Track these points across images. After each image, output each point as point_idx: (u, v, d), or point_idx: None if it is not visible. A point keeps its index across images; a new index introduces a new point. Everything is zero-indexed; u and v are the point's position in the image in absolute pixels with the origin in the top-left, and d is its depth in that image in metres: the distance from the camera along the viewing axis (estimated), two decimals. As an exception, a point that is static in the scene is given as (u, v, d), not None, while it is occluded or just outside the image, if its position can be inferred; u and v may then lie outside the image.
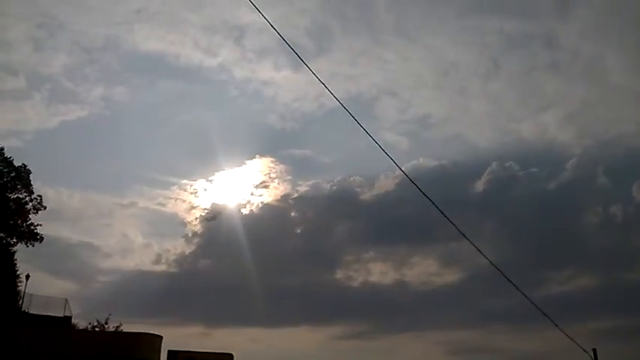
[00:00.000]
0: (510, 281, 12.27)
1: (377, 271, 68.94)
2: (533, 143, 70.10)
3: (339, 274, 67.75)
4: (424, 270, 68.63)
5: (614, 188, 63.09)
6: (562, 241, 60.35)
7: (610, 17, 61.62)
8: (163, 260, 69.71)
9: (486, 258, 12.27)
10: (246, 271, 58.20)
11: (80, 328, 32.85)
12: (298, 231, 70.64)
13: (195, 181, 73.80)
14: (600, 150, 65.94)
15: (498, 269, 12.19)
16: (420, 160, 68.64)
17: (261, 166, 75.15)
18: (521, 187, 66.28)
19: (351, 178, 71.65)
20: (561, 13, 66.02)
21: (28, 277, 33.23)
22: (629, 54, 60.61)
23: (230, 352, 31.53)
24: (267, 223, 68.71)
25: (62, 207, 65.39)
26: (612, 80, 64.47)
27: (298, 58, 10.07)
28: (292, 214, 71.80)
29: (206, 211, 70.24)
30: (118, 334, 31.03)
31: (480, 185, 66.99)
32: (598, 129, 71.20)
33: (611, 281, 58.95)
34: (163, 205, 75.33)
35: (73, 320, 33.15)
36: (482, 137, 77.77)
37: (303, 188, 72.83)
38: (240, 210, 70.02)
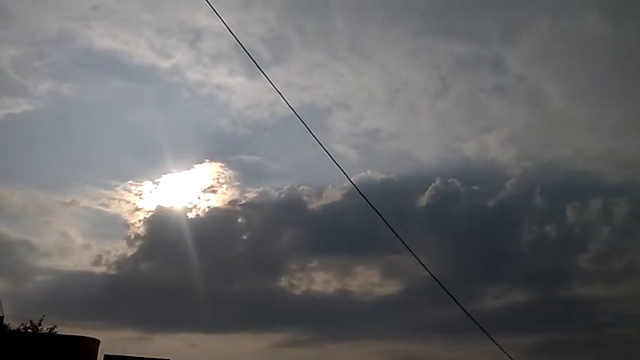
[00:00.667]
0: (449, 293, 12.86)
1: (320, 280, 69.22)
2: (476, 162, 72.76)
3: (283, 282, 67.67)
4: (367, 280, 69.51)
5: (549, 209, 66.16)
6: (499, 257, 62.64)
7: (554, 46, 64.90)
8: (103, 262, 67.37)
9: (427, 270, 12.85)
10: (189, 275, 57.24)
11: (12, 329, 31.61)
12: (244, 237, 70.12)
13: (141, 182, 71.72)
14: (538, 172, 69.11)
15: (437, 281, 12.76)
16: (368, 172, 69.78)
17: (210, 171, 74.13)
18: (463, 203, 68.52)
19: (300, 188, 71.94)
20: (509, 39, 68.91)
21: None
22: (569, 82, 64.05)
23: (167, 357, 31.23)
24: (213, 228, 67.84)
25: (2, 203, 62.37)
26: (552, 106, 67.87)
27: (254, 64, 10.36)
28: (239, 220, 71.22)
29: (150, 213, 68.66)
30: (53, 336, 30.04)
31: (423, 200, 68.71)
32: (537, 151, 74.62)
33: (545, 297, 61.66)
34: (106, 205, 72.82)
35: (4, 321, 31.86)
36: (428, 154, 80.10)
37: (252, 195, 72.35)
38: (186, 214, 68.80)
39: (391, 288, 68.41)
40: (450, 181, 68.23)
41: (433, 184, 67.47)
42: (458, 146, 77.55)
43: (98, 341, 27.79)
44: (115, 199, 71.45)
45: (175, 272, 59.67)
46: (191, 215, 68.49)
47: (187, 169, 73.30)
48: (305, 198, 71.72)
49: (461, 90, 75.51)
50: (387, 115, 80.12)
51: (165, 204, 74.11)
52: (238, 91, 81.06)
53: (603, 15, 60.22)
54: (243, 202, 71.36)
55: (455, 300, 13.05)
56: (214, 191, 72.85)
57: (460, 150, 75.76)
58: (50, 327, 32.19)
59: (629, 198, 62.68)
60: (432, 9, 66.45)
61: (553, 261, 63.48)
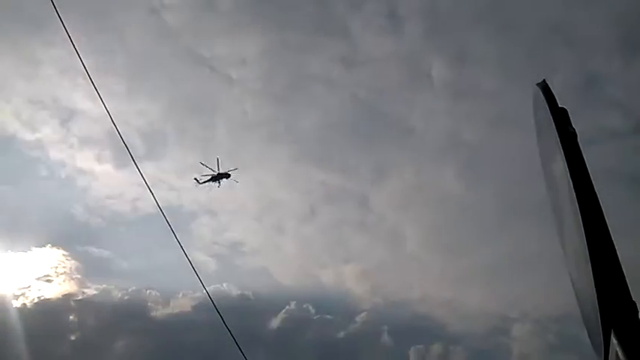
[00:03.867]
0: None
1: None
2: (331, 291, 73.97)
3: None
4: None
5: (394, 348, 67.96)
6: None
7: (414, 194, 70.88)
8: None
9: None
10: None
11: None
12: (72, 338, 62.63)
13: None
14: (388, 310, 71.62)
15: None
16: (224, 285, 67.61)
17: (49, 257, 67.20)
18: (314, 330, 68.22)
19: (147, 291, 67.13)
20: (377, 180, 74.48)
21: None
22: (425, 229, 69.42)
23: None
24: (40, 322, 59.90)
25: None
26: (408, 249, 72.65)
27: (125, 154, 9.87)
28: (71, 317, 63.97)
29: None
30: None
31: (276, 321, 67.39)
32: (389, 290, 77.95)
33: None
34: None
35: None
36: (288, 276, 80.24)
37: (91, 291, 65.88)
38: (11, 300, 60.62)
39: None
40: (304, 306, 68.27)
41: (288, 307, 66.96)
42: (317, 273, 78.86)
43: None
44: None
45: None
46: (17, 303, 60.52)
47: (24, 252, 65.85)
48: (150, 303, 66.98)
49: (327, 219, 78.41)
50: (253, 230, 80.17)
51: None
52: (101, 178, 76.95)
53: (458, 174, 67.73)
54: (80, 297, 64.76)
55: None
56: (49, 280, 65.51)
57: (318, 276, 76.99)
58: None
59: (464, 347, 66.46)
60: (313, 138, 70.43)
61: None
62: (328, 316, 70.85)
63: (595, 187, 3.11)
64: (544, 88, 3.31)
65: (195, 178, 48.44)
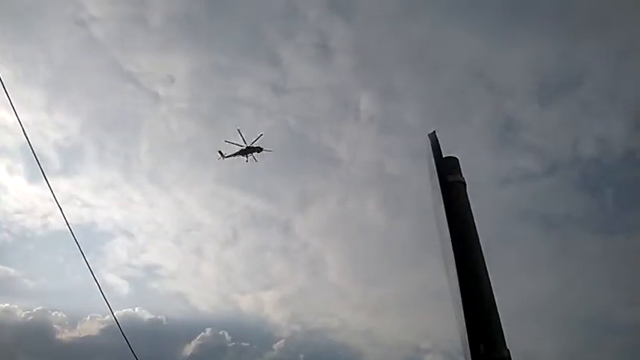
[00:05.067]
0: None
1: None
2: (249, 318, 72.77)
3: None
4: None
5: (310, 377, 67.62)
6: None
7: (337, 223, 71.77)
8: None
9: None
10: None
11: None
12: (-35, 361, 57.65)
13: None
14: (305, 338, 71.20)
15: None
16: (137, 309, 64.80)
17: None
18: (229, 358, 66.46)
19: (53, 313, 63.22)
20: (301, 207, 74.90)
21: None
22: (345, 258, 70.24)
23: None
24: None
25: None
26: (329, 277, 72.98)
27: (39, 169, 9.43)
28: (-34, 338, 59.00)
29: None
30: None
31: (189, 348, 65.15)
32: (307, 318, 77.78)
33: None
34: None
35: None
36: (205, 301, 78.18)
37: (-9, 311, 61.41)
38: None
39: None
40: (220, 332, 66.52)
41: (203, 334, 65.04)
42: (235, 298, 77.39)
43: None
44: None
45: None
46: None
47: None
48: (56, 326, 63.00)
49: (249, 244, 77.50)
50: (172, 253, 77.81)
51: None
52: (12, 192, 72.45)
53: (380, 205, 69.37)
54: (-22, 317, 59.96)
55: None
56: (-55, 299, 60.36)
57: (237, 302, 75.58)
58: None
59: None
60: (236, 160, 69.96)
61: None
62: (244, 344, 69.33)
63: (478, 233, 3.42)
64: (433, 139, 3.63)
65: (220, 152, 42.51)
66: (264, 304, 76.61)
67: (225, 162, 43.03)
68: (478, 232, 3.17)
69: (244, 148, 40.92)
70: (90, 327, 62.34)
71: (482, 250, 2.89)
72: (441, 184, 3.13)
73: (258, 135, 40.88)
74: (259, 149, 40.92)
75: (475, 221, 3.21)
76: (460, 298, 2.70)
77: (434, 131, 3.14)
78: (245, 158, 41.70)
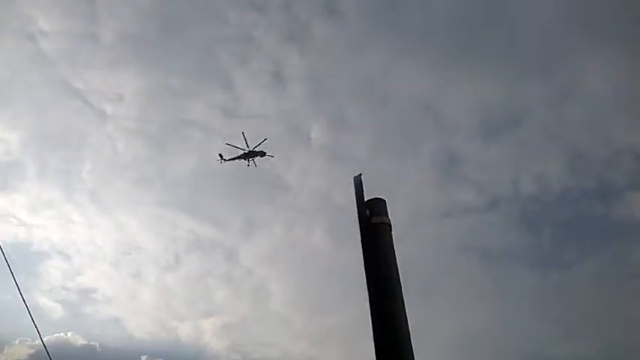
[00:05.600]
0: None
1: None
2: (187, 346, 70.61)
3: None
4: None
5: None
6: None
7: (283, 251, 71.46)
8: None
9: None
10: None
11: None
12: None
13: None
14: (245, 367, 69.86)
15: None
16: (69, 334, 61.82)
17: None
18: (162, 389, 64.32)
19: (-23, 336, 59.66)
20: (246, 234, 74.24)
21: None
22: (290, 287, 69.69)
23: None
24: None
25: None
26: (272, 305, 71.93)
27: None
28: None
29: None
30: None
31: (121, 377, 62.60)
32: (248, 346, 76.29)
33: None
34: None
35: None
36: (141, 328, 75.32)
37: None
38: None
39: None
40: (156, 361, 64.32)
41: (137, 362, 62.66)
42: (174, 326, 75.06)
43: None
44: None
45: None
46: None
47: None
48: (-20, 350, 59.33)
49: (191, 269, 75.78)
50: (109, 277, 75.08)
51: None
52: (-59, 207, 68.81)
53: (326, 235, 69.45)
54: None
55: None
56: None
57: (175, 330, 73.30)
58: None
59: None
60: (185, 184, 68.65)
61: None
62: (181, 374, 67.22)
63: (399, 275, 3.50)
64: (357, 182, 3.74)
65: (220, 155, 41.36)
66: (204, 332, 74.69)
67: (226, 165, 42.34)
68: (400, 274, 3.26)
69: (247, 151, 40.29)
70: (18, 351, 58.90)
71: (402, 293, 2.94)
72: (363, 225, 3.23)
73: (262, 139, 40.15)
74: (262, 153, 40.23)
75: (398, 263, 3.28)
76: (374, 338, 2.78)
77: (359, 174, 3.25)
78: (247, 162, 40.96)
